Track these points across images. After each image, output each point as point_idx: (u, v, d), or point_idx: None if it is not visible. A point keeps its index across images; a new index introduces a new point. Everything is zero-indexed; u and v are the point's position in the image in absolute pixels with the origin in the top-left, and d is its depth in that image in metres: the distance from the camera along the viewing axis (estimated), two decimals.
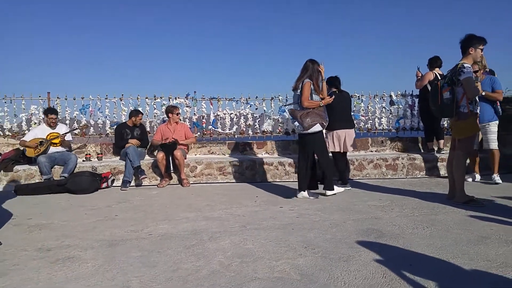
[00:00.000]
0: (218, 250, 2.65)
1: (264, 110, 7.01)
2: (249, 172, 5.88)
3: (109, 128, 6.67)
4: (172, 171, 5.61)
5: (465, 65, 3.75)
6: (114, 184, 5.61)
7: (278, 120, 6.97)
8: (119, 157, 6.17)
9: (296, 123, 4.29)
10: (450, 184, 4.16)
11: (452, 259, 2.39)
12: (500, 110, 5.09)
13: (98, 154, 6.19)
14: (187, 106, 6.85)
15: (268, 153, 6.62)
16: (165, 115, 6.12)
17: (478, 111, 3.90)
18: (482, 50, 3.89)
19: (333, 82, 5.16)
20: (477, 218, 3.36)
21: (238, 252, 2.59)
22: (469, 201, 3.84)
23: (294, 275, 2.18)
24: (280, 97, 6.93)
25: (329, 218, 3.50)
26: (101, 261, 2.49)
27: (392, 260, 2.39)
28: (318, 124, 4.24)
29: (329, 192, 4.50)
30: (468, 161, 4.69)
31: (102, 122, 6.70)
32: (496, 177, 5.11)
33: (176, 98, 6.80)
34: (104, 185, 5.39)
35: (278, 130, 6.98)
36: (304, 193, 4.44)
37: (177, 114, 5.98)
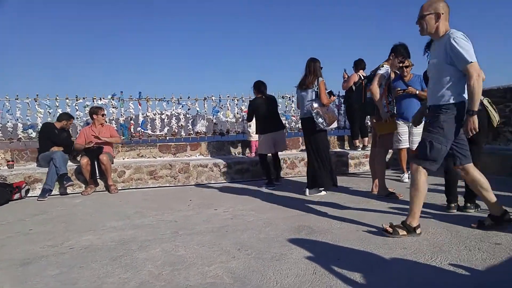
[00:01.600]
0: (148, 259, 2.55)
1: (197, 111, 6.92)
2: (183, 175, 5.76)
3: (22, 132, 6.06)
4: (98, 177, 5.29)
5: (385, 65, 4.06)
6: (29, 195, 5.11)
7: (212, 120, 6.92)
8: (35, 163, 5.65)
9: (320, 120, 4.33)
10: (373, 179, 4.47)
11: (375, 249, 2.57)
12: None
13: (8, 161, 5.59)
14: (113, 107, 6.49)
15: (203, 155, 6.55)
16: (89, 117, 5.75)
17: (395, 111, 4.21)
18: (400, 62, 4.20)
19: (259, 87, 5.31)
20: (397, 209, 3.66)
21: (170, 260, 2.52)
22: (389, 194, 4.17)
23: (227, 279, 2.17)
24: (213, 97, 6.89)
25: (262, 218, 3.56)
26: (8, 285, 2.25)
27: (322, 255, 2.50)
28: (336, 121, 4.53)
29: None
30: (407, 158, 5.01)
31: (12, 126, 6.05)
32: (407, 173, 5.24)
33: (101, 99, 6.42)
34: (17, 196, 4.87)
35: (212, 131, 6.93)
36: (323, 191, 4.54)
37: (102, 115, 5.64)
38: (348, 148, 7.03)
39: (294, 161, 6.20)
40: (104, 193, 5.26)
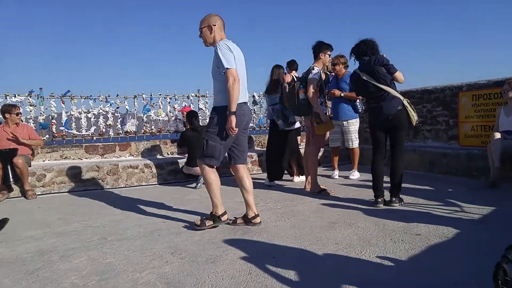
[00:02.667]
0: (72, 270, 2.35)
1: (127, 109, 6.59)
2: (111, 177, 5.43)
3: None
4: (12, 182, 4.78)
5: (315, 67, 4.21)
6: None
7: (143, 119, 6.64)
8: None
9: (280, 121, 4.87)
10: (306, 177, 4.62)
11: (309, 246, 2.64)
12: (360, 107, 5.28)
13: None
14: (30, 105, 5.92)
15: (133, 155, 6.25)
16: (1, 116, 5.17)
17: (326, 111, 4.38)
18: (330, 55, 4.40)
19: (190, 118, 5.29)
20: (328, 205, 3.82)
21: (97, 269, 2.35)
22: (321, 191, 4.34)
23: (159, 285, 2.08)
24: (144, 95, 6.61)
25: (197, 219, 3.48)
26: None
27: (257, 255, 2.50)
28: (298, 121, 5.18)
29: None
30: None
31: None
32: (354, 173, 5.45)
33: (15, 96, 5.81)
34: None
35: (143, 131, 6.64)
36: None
37: (17, 114, 5.11)
38: None
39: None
40: (20, 199, 4.77)
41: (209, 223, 3.11)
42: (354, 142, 5.40)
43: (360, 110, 5.34)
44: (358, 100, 5.25)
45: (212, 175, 3.12)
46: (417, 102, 6.16)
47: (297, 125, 5.20)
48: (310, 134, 4.48)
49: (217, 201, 3.16)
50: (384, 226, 3.04)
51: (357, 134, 5.46)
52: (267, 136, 7.16)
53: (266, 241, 2.80)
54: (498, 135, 4.33)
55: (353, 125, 5.38)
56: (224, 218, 3.18)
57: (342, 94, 5.20)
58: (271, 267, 2.26)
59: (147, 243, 2.83)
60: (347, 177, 5.45)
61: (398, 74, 3.62)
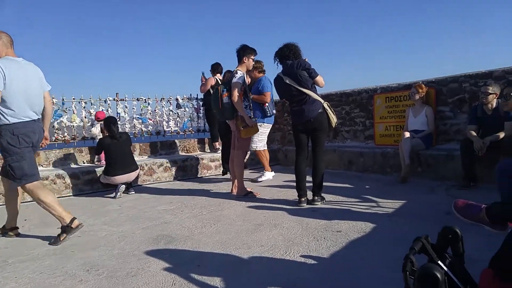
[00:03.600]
0: None
1: None
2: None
3: None
4: None
5: (239, 71, 4.25)
6: None
7: (54, 126, 6.09)
8: None
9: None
10: (233, 180, 4.63)
11: (235, 250, 2.64)
12: (269, 111, 5.28)
13: None
14: None
15: (42, 166, 5.71)
16: None
17: (251, 114, 4.42)
18: (253, 59, 4.44)
19: (109, 126, 5.00)
20: (254, 208, 3.86)
21: None
22: (248, 194, 4.38)
23: None
24: (54, 99, 6.07)
25: (117, 231, 3.29)
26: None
27: (182, 264, 2.43)
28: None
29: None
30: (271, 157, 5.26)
31: None
32: (264, 174, 5.51)
33: None
34: None
35: (54, 138, 6.10)
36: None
37: None
38: (209, 151, 7.15)
39: (152, 167, 5.95)
40: None
41: (63, 236, 3.05)
42: (257, 144, 5.37)
43: (269, 114, 5.27)
44: (267, 104, 5.25)
45: (40, 191, 3.09)
46: (336, 104, 6.54)
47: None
48: (236, 138, 4.50)
49: (60, 213, 3.09)
50: (308, 225, 3.16)
51: (264, 137, 5.41)
52: (191, 141, 7.12)
53: (190, 249, 2.74)
54: (407, 134, 4.77)
55: (263, 129, 5.28)
56: (74, 224, 3.11)
57: (251, 97, 5.26)
58: (196, 276, 2.21)
59: (57, 262, 2.59)
60: (255, 181, 5.49)
61: (319, 79, 3.78)
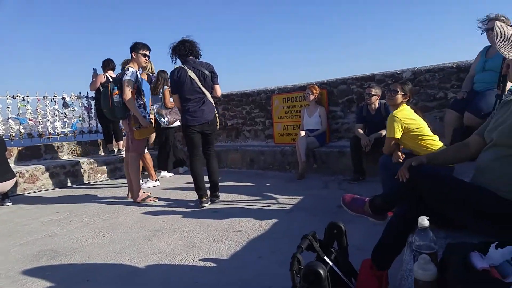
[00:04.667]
0: None
1: None
2: None
3: None
4: None
5: (130, 68, 4.01)
6: None
7: None
8: None
9: (163, 119, 5.49)
10: (129, 184, 4.37)
11: (130, 260, 2.48)
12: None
13: None
14: None
15: None
16: None
17: (145, 114, 4.20)
18: (146, 56, 4.20)
19: None
20: (153, 213, 3.69)
21: None
22: (146, 199, 4.18)
23: None
24: None
25: None
26: None
27: (68, 281, 2.21)
28: (178, 120, 5.50)
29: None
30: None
31: None
32: (150, 182, 5.10)
33: None
34: None
35: None
36: (165, 173, 5.83)
37: None
38: (103, 154, 6.66)
39: (34, 173, 5.31)
40: None
41: None
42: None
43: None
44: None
45: None
46: (237, 104, 6.65)
47: (177, 123, 5.59)
48: (129, 139, 4.24)
49: None
50: (209, 226, 3.13)
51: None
52: (82, 143, 6.54)
53: (79, 262, 2.49)
54: (303, 133, 5.06)
55: None
56: None
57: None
58: None
59: None
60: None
61: (219, 88, 3.94)
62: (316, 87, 5.34)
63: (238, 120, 6.78)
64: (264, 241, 2.71)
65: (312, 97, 5.25)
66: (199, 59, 3.85)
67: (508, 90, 2.05)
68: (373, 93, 4.30)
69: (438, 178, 1.63)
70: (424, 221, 1.15)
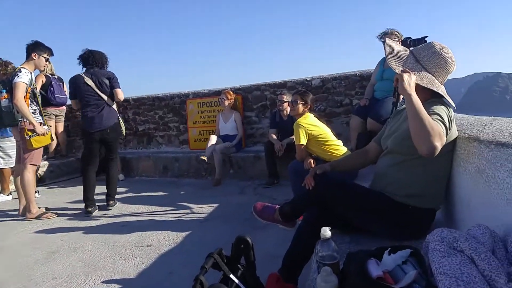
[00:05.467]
0: None
1: None
2: None
3: None
4: None
5: (22, 69, 3.58)
6: None
7: None
8: None
9: None
10: (20, 200, 3.89)
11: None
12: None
13: None
14: None
15: None
16: None
17: (42, 120, 3.79)
18: (46, 59, 3.81)
19: None
20: (49, 232, 3.32)
21: None
22: (41, 215, 3.75)
23: None
24: None
25: None
26: None
27: None
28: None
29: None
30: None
31: None
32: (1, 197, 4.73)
33: None
34: None
35: None
36: None
37: None
38: None
39: None
40: None
41: None
42: (6, 160, 4.53)
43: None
44: None
45: None
46: (149, 108, 6.39)
47: None
48: (21, 149, 3.78)
49: None
50: (115, 243, 2.91)
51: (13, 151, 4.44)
52: None
53: None
54: (214, 139, 5.01)
55: (4, 142, 4.51)
56: None
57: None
58: None
59: None
60: None
61: (119, 91, 3.90)
62: (231, 92, 5.35)
63: (150, 125, 6.51)
64: (176, 255, 2.60)
65: (227, 102, 5.25)
66: (105, 68, 3.97)
67: (402, 98, 2.25)
68: (284, 99, 4.44)
69: (341, 185, 1.71)
70: (326, 232, 1.18)
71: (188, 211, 3.76)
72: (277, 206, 2.08)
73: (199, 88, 6.21)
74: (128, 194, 4.66)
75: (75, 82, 3.82)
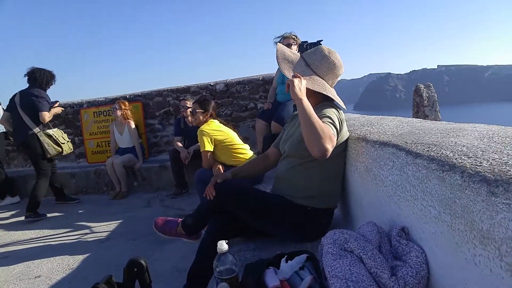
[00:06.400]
0: None
1: None
2: None
3: None
4: None
5: None
6: None
7: None
8: None
9: None
10: None
11: None
12: None
13: None
14: None
15: None
16: None
17: None
18: None
19: None
20: None
21: None
22: None
23: None
24: None
25: None
26: None
27: None
28: None
29: None
30: None
31: None
32: None
33: None
34: None
35: None
36: None
37: None
38: None
39: None
40: None
41: None
42: None
43: None
44: None
45: None
46: None
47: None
48: None
49: None
50: None
51: None
52: None
53: None
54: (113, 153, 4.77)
55: None
56: None
57: None
58: None
59: None
60: None
61: (44, 114, 3.99)
62: (126, 102, 4.94)
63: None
64: (70, 285, 2.35)
65: (119, 112, 4.80)
66: (44, 88, 4.12)
67: None
68: (188, 105, 4.34)
69: (241, 191, 1.70)
70: (222, 245, 1.14)
71: (87, 231, 3.47)
72: (180, 219, 2.00)
73: (94, 96, 5.73)
74: (13, 220, 4.14)
75: (12, 98, 4.13)
